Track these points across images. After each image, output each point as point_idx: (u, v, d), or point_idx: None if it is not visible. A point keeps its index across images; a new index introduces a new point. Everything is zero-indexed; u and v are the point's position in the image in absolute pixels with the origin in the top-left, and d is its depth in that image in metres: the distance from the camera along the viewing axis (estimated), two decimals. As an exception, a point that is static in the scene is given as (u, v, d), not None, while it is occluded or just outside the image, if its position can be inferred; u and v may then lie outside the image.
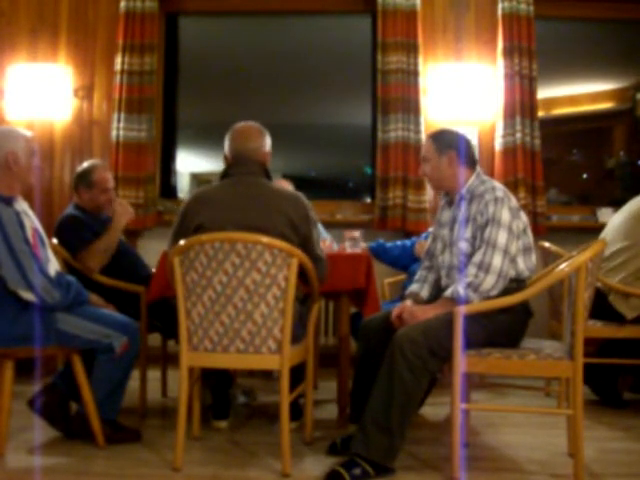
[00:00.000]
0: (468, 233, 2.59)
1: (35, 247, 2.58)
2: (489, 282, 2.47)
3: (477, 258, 2.50)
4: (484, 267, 2.48)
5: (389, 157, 4.34)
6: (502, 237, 2.49)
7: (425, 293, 2.80)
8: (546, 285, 2.44)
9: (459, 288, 2.47)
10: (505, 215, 2.52)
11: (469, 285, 2.46)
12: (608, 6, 4.58)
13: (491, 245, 2.49)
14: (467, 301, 2.45)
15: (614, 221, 3.61)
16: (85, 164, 3.45)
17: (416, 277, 2.89)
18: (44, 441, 2.79)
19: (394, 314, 2.60)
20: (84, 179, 3.35)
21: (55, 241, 3.22)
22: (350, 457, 2.41)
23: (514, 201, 2.61)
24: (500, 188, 2.61)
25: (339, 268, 2.88)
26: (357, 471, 2.36)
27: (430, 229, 2.90)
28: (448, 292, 2.51)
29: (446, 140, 2.70)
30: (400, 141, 4.30)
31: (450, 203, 2.75)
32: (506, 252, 2.49)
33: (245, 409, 3.39)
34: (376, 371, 2.49)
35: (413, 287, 2.83)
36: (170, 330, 3.18)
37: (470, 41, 4.45)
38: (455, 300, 2.46)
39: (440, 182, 2.74)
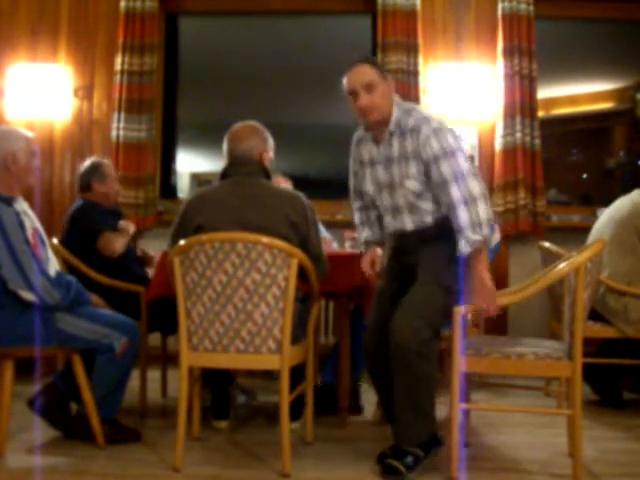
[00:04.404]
0: (413, 169, 2.46)
1: (35, 247, 2.58)
2: (483, 208, 2.36)
3: (456, 196, 2.36)
4: (469, 199, 2.36)
5: (389, 157, 4.34)
6: (462, 163, 2.39)
7: (377, 236, 2.75)
8: (545, 285, 2.45)
9: (469, 235, 2.35)
10: (452, 141, 2.41)
11: (473, 226, 2.35)
12: (608, 6, 4.57)
13: (459, 176, 2.37)
14: (486, 237, 2.38)
15: (598, 224, 3.62)
16: (89, 161, 3.53)
17: (357, 221, 2.77)
18: (44, 441, 2.79)
19: (484, 313, 2.44)
20: (97, 173, 3.43)
21: (55, 241, 3.22)
22: (398, 449, 2.43)
23: (445, 122, 2.50)
24: (429, 116, 2.47)
25: (339, 268, 2.88)
26: (409, 459, 2.40)
27: None
28: (466, 250, 2.36)
29: (381, 65, 2.57)
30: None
31: (375, 140, 2.57)
32: (474, 174, 2.40)
33: (245, 409, 3.39)
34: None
35: (365, 234, 2.74)
36: (170, 326, 3.22)
37: (470, 41, 4.45)
38: (478, 247, 2.36)
39: (384, 112, 2.49)
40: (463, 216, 2.36)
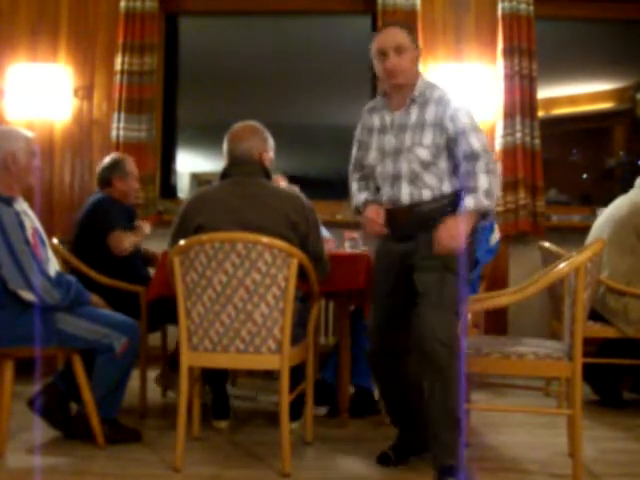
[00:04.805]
0: (428, 139, 2.43)
1: (35, 247, 2.58)
2: (498, 185, 2.41)
3: (481, 166, 2.37)
4: (491, 171, 2.38)
5: (389, 157, 4.34)
6: (485, 140, 2.43)
7: (377, 199, 2.63)
8: (545, 285, 2.45)
9: (481, 197, 2.34)
10: (474, 118, 2.45)
11: (488, 192, 2.35)
12: (608, 6, 4.57)
13: (486, 150, 2.40)
14: (489, 209, 2.38)
15: (596, 224, 3.62)
16: (111, 157, 3.56)
17: (355, 188, 2.68)
18: (44, 441, 2.79)
19: (439, 243, 2.36)
20: (119, 169, 3.46)
21: (55, 241, 3.21)
22: (444, 467, 2.29)
23: None
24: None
25: (339, 268, 2.88)
26: (458, 474, 2.28)
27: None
28: (470, 205, 2.35)
29: (413, 32, 2.54)
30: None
31: (392, 106, 2.53)
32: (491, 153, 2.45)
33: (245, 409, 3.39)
34: (397, 372, 2.55)
35: (365, 196, 2.63)
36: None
37: (470, 41, 4.45)
38: (477, 211, 2.37)
39: (408, 78, 2.47)
40: (483, 180, 2.36)
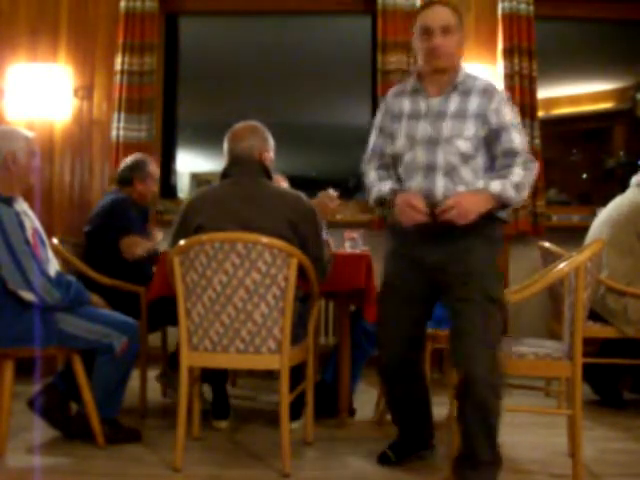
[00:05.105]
0: (470, 131, 2.30)
1: (35, 247, 2.58)
2: (529, 184, 2.30)
3: (519, 162, 2.28)
4: (529, 168, 2.29)
5: (389, 157, 4.34)
6: (525, 139, 2.36)
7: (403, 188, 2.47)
8: (545, 285, 2.44)
9: (510, 189, 2.24)
10: (517, 116, 2.37)
11: (517, 187, 2.26)
12: (608, 6, 4.57)
13: (524, 150, 2.31)
14: (512, 202, 2.28)
15: (595, 224, 3.62)
16: (134, 157, 3.56)
17: (374, 178, 2.48)
18: (44, 441, 2.79)
19: (446, 208, 2.21)
20: (141, 170, 3.46)
21: (55, 241, 3.21)
22: None
23: None
24: None
25: (339, 268, 2.88)
26: None
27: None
28: (496, 188, 2.24)
29: (461, 18, 2.39)
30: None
31: (428, 92, 2.38)
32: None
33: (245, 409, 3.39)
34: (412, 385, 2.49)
35: (390, 185, 2.41)
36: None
37: (470, 41, 4.44)
38: (500, 198, 2.25)
39: (451, 62, 2.34)
40: (517, 173, 2.26)
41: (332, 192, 3.25)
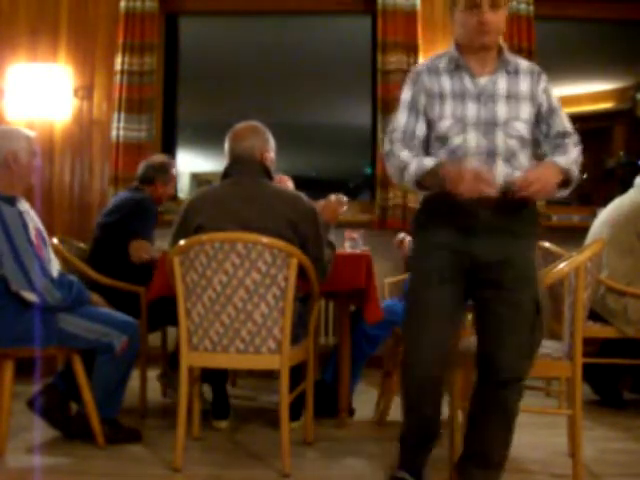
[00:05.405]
0: (525, 113, 2.16)
1: (38, 247, 2.58)
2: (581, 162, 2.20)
3: (572, 142, 2.20)
4: (579, 149, 2.21)
5: (389, 157, 4.34)
6: None
7: None
8: (545, 285, 2.44)
9: (571, 163, 2.14)
10: None
11: (577, 164, 2.17)
12: (608, 6, 4.57)
13: (573, 131, 2.24)
14: (574, 178, 2.16)
15: (596, 224, 3.62)
16: (160, 158, 3.59)
17: (408, 154, 2.16)
18: (44, 441, 2.79)
19: (526, 183, 2.02)
20: (165, 173, 3.49)
21: (55, 241, 3.21)
22: None
23: None
24: None
25: (339, 268, 2.88)
26: None
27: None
28: (562, 162, 2.12)
29: None
30: (400, 141, 4.30)
31: (471, 71, 2.19)
32: None
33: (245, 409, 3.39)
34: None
35: (431, 159, 2.13)
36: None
37: (470, 41, 4.44)
38: (567, 173, 2.12)
39: (496, 41, 2.18)
40: (574, 152, 2.18)
41: (343, 197, 3.24)
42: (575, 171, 2.15)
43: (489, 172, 2.06)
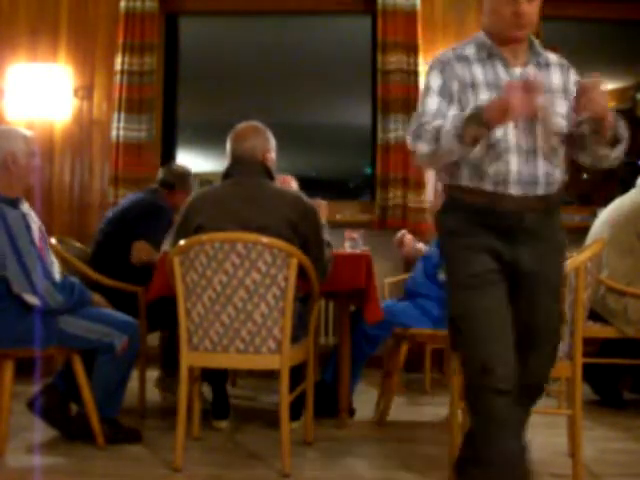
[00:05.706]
0: (562, 108, 2.05)
1: (41, 250, 2.58)
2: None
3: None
4: None
5: (389, 157, 4.34)
6: None
7: None
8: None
9: (620, 122, 2.03)
10: None
11: (621, 123, 2.05)
12: (609, 6, 4.57)
13: None
14: (623, 137, 2.06)
15: (596, 224, 3.61)
16: (184, 168, 3.63)
17: (441, 122, 1.99)
18: (44, 441, 2.79)
19: (590, 85, 1.90)
20: (186, 183, 3.55)
21: (54, 241, 3.21)
22: None
23: None
24: None
25: (339, 268, 2.88)
26: None
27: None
28: (619, 131, 2.03)
29: None
30: (400, 141, 4.29)
31: (505, 61, 2.07)
32: None
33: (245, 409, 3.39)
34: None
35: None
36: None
37: (470, 41, 4.44)
38: (616, 122, 2.02)
39: (529, 34, 2.08)
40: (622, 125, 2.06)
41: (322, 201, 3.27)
42: (623, 129, 2.02)
43: (535, 78, 1.90)
